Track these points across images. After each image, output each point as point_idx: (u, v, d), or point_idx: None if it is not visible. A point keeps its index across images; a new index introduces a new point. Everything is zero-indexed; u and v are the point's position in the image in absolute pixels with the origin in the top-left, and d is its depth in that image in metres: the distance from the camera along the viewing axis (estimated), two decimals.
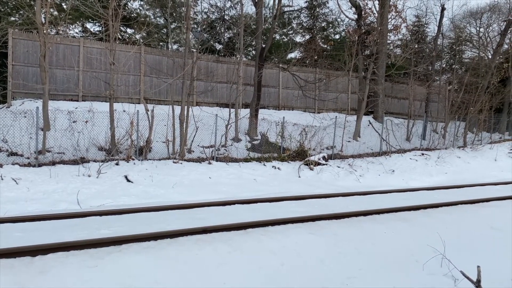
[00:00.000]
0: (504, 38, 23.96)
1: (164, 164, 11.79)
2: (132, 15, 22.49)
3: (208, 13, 24.23)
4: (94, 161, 11.39)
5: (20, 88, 14.25)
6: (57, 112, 12.85)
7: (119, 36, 20.00)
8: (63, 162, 11.18)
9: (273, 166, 13.39)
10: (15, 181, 9.03)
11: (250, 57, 24.44)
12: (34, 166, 10.63)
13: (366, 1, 20.09)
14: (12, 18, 17.96)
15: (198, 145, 14.11)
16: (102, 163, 10.91)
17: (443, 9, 23.06)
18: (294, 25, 27.95)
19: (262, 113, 17.74)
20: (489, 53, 25.60)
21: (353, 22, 22.67)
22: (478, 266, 4.34)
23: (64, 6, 17.63)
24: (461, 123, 22.50)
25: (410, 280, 4.74)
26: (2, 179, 9.02)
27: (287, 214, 6.68)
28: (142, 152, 12.40)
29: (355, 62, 18.95)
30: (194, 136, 13.90)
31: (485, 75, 22.86)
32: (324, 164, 14.04)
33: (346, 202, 8.34)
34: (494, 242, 6.19)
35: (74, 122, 13.22)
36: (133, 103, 15.67)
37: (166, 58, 17.02)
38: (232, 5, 24.36)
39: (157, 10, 23.79)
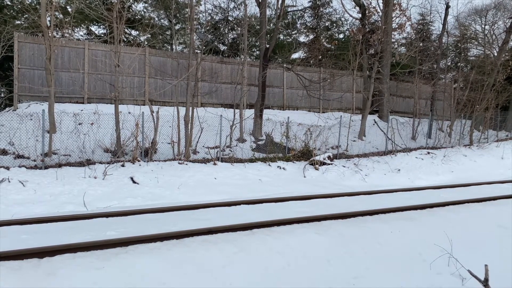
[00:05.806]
0: (510, 35, 23.72)
1: (169, 165, 11.82)
2: (137, 17, 22.59)
3: (212, 14, 24.29)
4: (100, 163, 11.44)
5: (26, 91, 14.37)
6: (63, 115, 12.94)
7: (124, 38, 20.07)
8: (69, 164, 11.25)
9: (278, 166, 13.38)
10: (22, 183, 9.10)
11: (254, 58, 24.46)
12: (40, 168, 10.70)
13: (370, 0, 20.04)
14: (18, 22, 18.12)
15: (203, 146, 14.14)
16: (108, 164, 10.95)
17: (447, 7, 22.91)
18: (298, 25, 27.93)
19: (267, 113, 17.73)
20: (495, 51, 25.37)
21: (357, 21, 22.60)
22: (486, 265, 4.30)
23: (69, 9, 17.77)
24: (467, 121, 22.32)
25: (417, 280, 4.72)
26: (9, 181, 9.09)
27: (292, 214, 6.67)
28: (147, 153, 12.44)
29: (359, 61, 18.89)
30: (199, 137, 13.94)
31: (491, 72, 22.65)
32: (329, 164, 14.00)
33: (351, 202, 8.31)
34: (501, 241, 6.15)
35: (79, 124, 13.31)
36: (138, 105, 15.74)
37: (170, 59, 17.05)
38: (236, 6, 24.40)
39: (161, 11, 23.89)
